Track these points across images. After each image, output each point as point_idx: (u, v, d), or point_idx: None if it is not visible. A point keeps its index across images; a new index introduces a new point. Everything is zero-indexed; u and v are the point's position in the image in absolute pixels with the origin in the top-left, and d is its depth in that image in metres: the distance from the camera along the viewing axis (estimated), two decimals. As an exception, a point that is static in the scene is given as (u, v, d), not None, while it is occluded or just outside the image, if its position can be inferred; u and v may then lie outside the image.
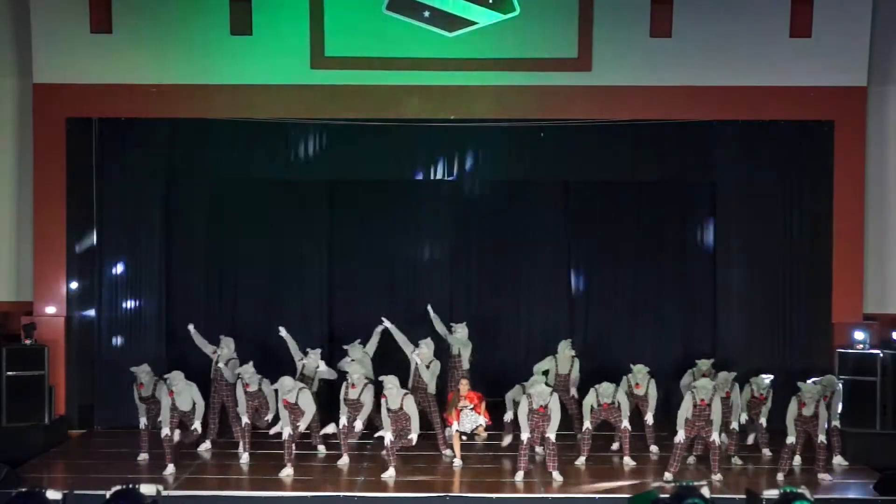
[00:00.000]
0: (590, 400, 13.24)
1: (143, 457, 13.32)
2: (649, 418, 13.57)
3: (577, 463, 13.12)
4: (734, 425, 13.22)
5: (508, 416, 13.62)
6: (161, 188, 15.59)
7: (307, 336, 15.14)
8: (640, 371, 13.62)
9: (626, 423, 13.20)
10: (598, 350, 16.03)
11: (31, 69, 14.81)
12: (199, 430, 12.97)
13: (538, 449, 12.98)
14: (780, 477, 12.44)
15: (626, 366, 13.78)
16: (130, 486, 7.81)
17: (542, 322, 16.43)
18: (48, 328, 14.62)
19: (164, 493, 9.86)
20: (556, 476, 12.44)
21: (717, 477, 12.38)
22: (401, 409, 12.54)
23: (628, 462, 13.15)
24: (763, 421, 13.37)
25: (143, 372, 13.51)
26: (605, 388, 13.19)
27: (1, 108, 15.34)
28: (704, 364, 14.05)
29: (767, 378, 13.35)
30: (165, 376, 12.94)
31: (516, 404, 13.07)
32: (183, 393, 12.78)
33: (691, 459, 13.18)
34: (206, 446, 13.83)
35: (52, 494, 8.05)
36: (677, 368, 14.62)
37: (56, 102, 14.79)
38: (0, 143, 15.37)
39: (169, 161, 15.63)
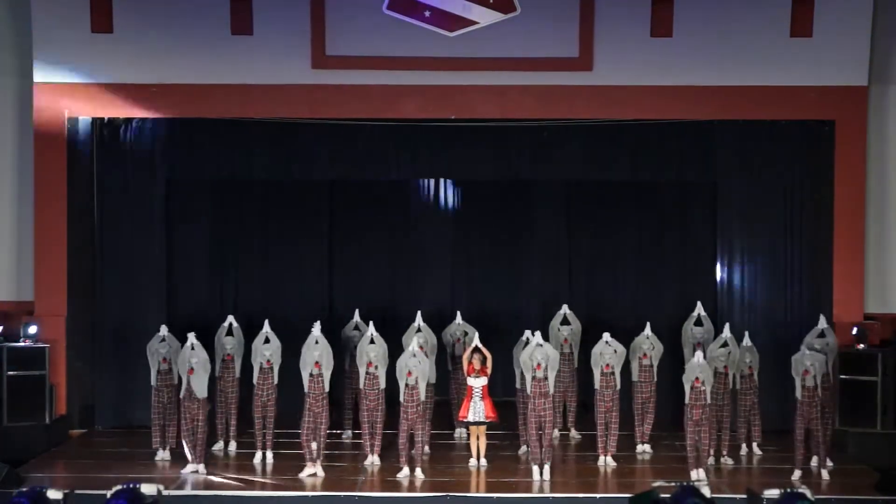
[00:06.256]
0: (596, 358, 13.25)
1: (162, 455, 13.29)
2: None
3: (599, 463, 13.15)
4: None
5: (523, 450, 13.56)
6: (161, 188, 15.59)
7: (306, 336, 15.10)
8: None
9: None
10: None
11: (31, 69, 14.81)
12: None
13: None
14: (796, 475, 12.45)
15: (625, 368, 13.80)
16: (131, 485, 7.82)
17: (543, 319, 16.39)
18: (48, 328, 14.61)
19: (165, 492, 9.86)
20: (538, 475, 12.43)
21: (700, 474, 12.29)
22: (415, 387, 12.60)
23: (609, 462, 13.15)
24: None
25: (164, 331, 13.49)
26: (605, 337, 13.25)
27: (1, 108, 15.35)
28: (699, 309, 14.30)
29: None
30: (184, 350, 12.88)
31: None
32: (199, 374, 12.67)
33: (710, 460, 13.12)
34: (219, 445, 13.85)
35: (53, 494, 8.05)
36: (679, 374, 14.59)
37: (56, 102, 14.79)
38: (0, 143, 15.37)
39: (169, 161, 15.62)
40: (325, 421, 12.71)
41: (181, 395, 12.82)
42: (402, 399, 12.68)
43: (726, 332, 13.55)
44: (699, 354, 12.76)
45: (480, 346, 13.08)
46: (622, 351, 13.41)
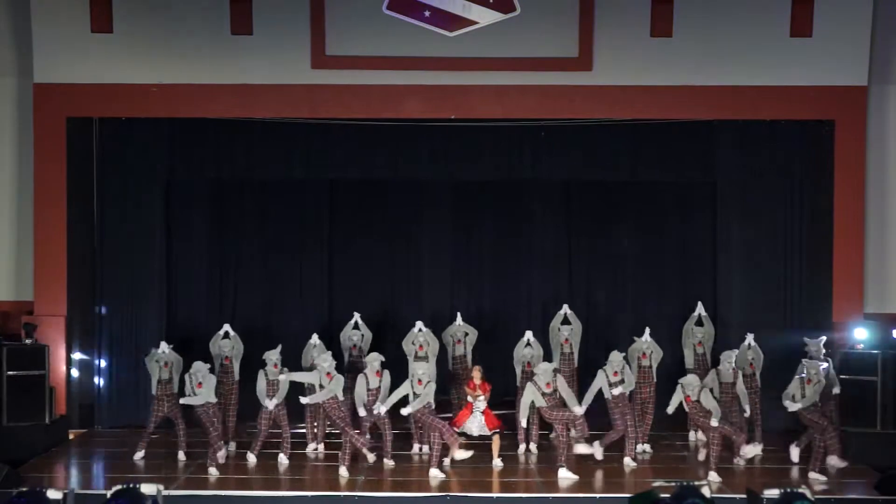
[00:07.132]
0: (599, 382, 13.09)
1: (141, 455, 13.28)
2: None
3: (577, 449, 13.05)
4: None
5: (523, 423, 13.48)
6: (161, 188, 15.61)
7: (307, 337, 15.13)
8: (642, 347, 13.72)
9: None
10: (596, 359, 15.99)
11: (31, 69, 14.83)
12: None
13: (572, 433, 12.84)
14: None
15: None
16: (131, 485, 7.81)
17: (543, 320, 16.40)
18: (48, 328, 14.62)
19: (164, 492, 9.85)
20: (564, 473, 12.41)
21: (713, 476, 12.30)
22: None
23: (629, 463, 13.13)
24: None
25: (164, 347, 13.41)
26: (614, 357, 13.12)
27: (1, 108, 15.37)
28: (700, 309, 14.35)
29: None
30: (191, 371, 12.78)
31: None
32: (207, 384, 12.67)
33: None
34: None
35: (53, 494, 8.04)
36: (678, 374, 14.59)
37: (56, 102, 14.80)
38: (0, 143, 15.38)
39: (169, 161, 15.64)
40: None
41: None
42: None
43: (733, 363, 13.56)
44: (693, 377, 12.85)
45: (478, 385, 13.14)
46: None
